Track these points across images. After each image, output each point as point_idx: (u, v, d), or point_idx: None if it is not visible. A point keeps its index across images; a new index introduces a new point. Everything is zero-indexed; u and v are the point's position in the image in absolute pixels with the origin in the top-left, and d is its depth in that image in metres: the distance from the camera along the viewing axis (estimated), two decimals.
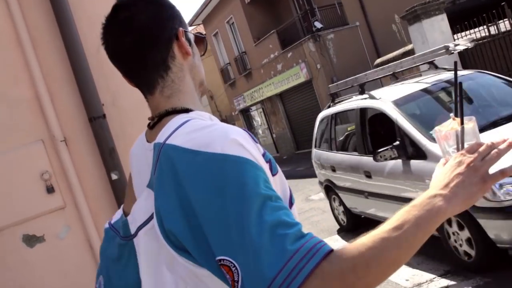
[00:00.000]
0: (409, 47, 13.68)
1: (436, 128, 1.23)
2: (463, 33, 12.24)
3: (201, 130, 1.05)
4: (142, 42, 1.20)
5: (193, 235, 0.97)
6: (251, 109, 28.75)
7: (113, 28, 1.23)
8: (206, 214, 0.95)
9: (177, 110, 1.20)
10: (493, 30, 11.77)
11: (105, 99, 3.23)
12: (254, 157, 1.00)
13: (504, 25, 11.73)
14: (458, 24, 12.52)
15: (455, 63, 1.36)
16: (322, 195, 12.13)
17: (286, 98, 24.41)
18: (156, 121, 1.22)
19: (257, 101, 26.51)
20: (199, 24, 31.53)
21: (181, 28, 1.25)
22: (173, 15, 1.26)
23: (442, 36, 12.05)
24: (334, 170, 7.98)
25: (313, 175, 16.14)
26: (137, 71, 1.24)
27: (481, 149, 1.11)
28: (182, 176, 0.99)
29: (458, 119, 1.20)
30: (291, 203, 1.13)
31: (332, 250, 0.89)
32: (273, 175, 1.09)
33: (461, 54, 11.46)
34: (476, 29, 12.01)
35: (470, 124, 1.19)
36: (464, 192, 1.05)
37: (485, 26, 11.86)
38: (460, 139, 1.18)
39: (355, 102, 7.47)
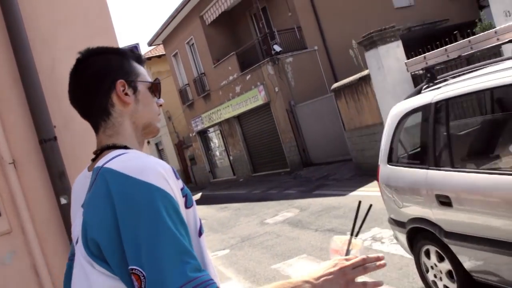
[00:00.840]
0: (365, 72, 13.92)
1: (334, 237, 1.57)
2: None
3: (135, 159, 1.26)
4: (88, 91, 1.43)
5: (114, 246, 1.16)
6: (208, 130, 28.69)
7: (72, 78, 1.45)
8: (126, 230, 1.15)
9: (117, 146, 1.39)
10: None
11: (57, 121, 3.17)
12: (173, 192, 1.22)
13: None
14: (412, 51, 12.84)
15: (359, 202, 1.69)
16: (278, 218, 11.79)
17: (244, 121, 24.47)
18: (98, 154, 1.40)
19: (215, 122, 26.49)
20: (159, 44, 31.44)
21: (120, 80, 1.44)
22: (117, 67, 1.46)
23: (397, 62, 12.29)
24: (447, 204, 4.18)
25: (268, 198, 15.95)
26: (87, 114, 1.46)
27: (355, 260, 1.40)
28: (113, 194, 1.18)
29: (351, 238, 1.54)
30: (200, 233, 1.35)
31: None
32: (188, 207, 1.31)
33: None
34: None
35: (358, 245, 1.53)
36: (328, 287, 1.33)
37: None
38: (346, 251, 1.53)
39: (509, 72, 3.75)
